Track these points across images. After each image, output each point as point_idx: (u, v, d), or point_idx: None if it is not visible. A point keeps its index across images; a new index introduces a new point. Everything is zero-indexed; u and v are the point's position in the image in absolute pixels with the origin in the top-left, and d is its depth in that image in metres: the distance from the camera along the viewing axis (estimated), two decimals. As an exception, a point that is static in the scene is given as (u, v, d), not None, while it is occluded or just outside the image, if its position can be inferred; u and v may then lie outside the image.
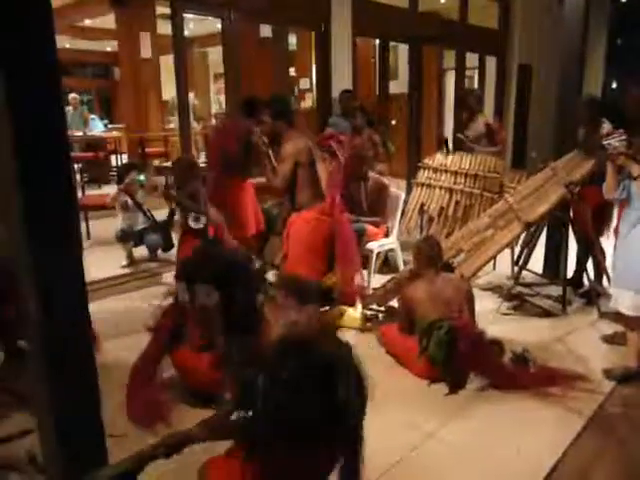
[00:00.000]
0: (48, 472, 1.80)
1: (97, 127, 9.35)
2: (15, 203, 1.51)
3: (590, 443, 2.53)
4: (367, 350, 3.35)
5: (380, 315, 3.79)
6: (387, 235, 4.53)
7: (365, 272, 4.26)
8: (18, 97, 1.44)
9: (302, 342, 1.42)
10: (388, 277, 4.03)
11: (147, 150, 8.54)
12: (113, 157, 9.28)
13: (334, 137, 3.72)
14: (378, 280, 4.17)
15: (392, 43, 7.49)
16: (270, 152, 3.72)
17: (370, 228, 4.33)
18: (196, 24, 9.01)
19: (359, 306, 3.77)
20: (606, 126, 4.04)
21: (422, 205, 4.78)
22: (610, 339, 3.48)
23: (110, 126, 10.22)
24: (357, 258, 3.82)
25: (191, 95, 9.02)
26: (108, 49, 11.24)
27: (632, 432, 2.65)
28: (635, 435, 2.62)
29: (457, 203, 4.61)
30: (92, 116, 9.53)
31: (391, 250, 4.63)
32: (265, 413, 1.32)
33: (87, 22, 9.58)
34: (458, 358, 2.89)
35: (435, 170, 4.78)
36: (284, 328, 1.51)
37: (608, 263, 3.79)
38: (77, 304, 1.66)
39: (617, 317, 3.64)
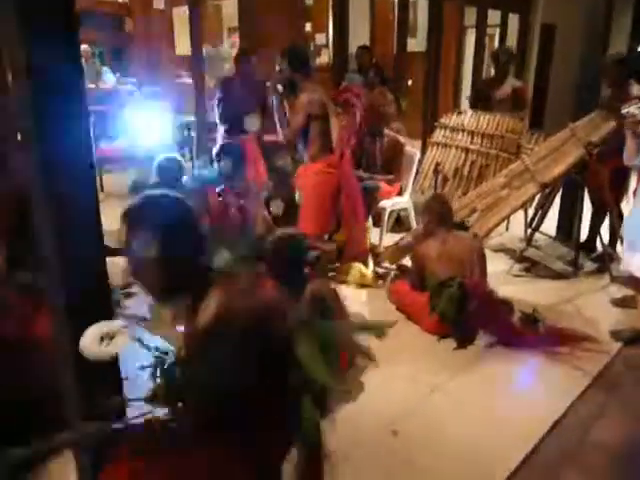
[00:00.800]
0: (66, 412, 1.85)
1: (109, 80, 9.26)
2: (32, 154, 1.52)
3: (594, 400, 2.58)
4: (378, 307, 3.40)
5: (392, 273, 3.81)
6: (400, 194, 4.51)
7: (377, 230, 4.27)
8: (36, 52, 1.43)
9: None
10: (400, 236, 4.05)
11: (160, 104, 8.45)
12: (126, 111, 9.22)
13: (351, 90, 3.64)
14: (390, 239, 4.18)
15: (412, -2, 7.28)
16: (285, 103, 3.68)
17: (384, 186, 4.31)
18: (210, -25, 8.79)
19: (370, 263, 3.80)
20: (635, 87, 3.93)
21: (437, 165, 4.74)
22: (620, 302, 3.49)
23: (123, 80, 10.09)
24: (363, 214, 3.82)
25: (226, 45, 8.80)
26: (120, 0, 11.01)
27: (636, 391, 2.69)
28: (638, 395, 2.66)
29: (473, 163, 4.56)
30: (104, 68, 9.42)
31: (404, 209, 4.62)
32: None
33: (99, -29, 9.37)
34: (468, 315, 2.92)
35: (452, 129, 4.72)
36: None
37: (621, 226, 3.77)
38: (94, 255, 1.69)
39: (628, 281, 3.65)
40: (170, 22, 8.73)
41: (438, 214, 3.26)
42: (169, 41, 8.93)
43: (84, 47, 8.80)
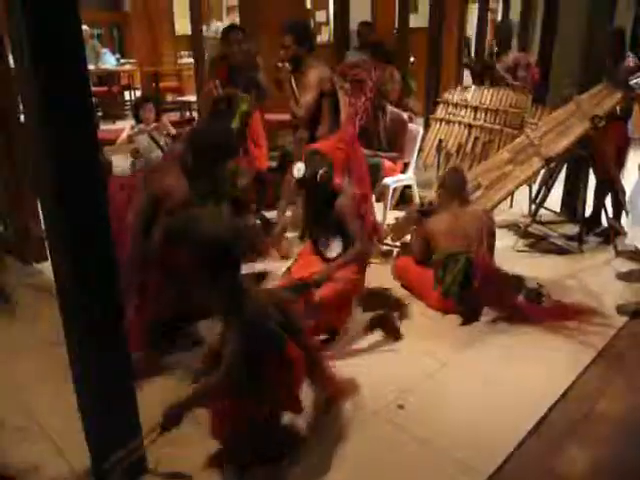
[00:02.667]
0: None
1: (109, 61, 9.18)
2: (39, 139, 1.51)
3: (599, 374, 2.58)
4: (382, 284, 3.40)
5: (394, 250, 3.81)
6: (404, 171, 4.49)
7: (381, 207, 4.26)
8: (37, 33, 1.41)
9: None
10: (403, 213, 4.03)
11: (161, 85, 8.41)
12: (127, 92, 9.18)
13: (359, 65, 3.59)
14: (394, 216, 4.17)
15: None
16: (292, 80, 3.63)
17: (387, 163, 4.28)
18: (209, -48, 8.66)
19: (374, 241, 3.79)
20: (631, 60, 3.91)
21: (440, 141, 4.70)
22: (625, 276, 3.48)
23: (122, 60, 10.03)
24: (370, 193, 3.80)
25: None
26: (118, -21, 10.86)
27: (640, 365, 2.70)
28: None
29: (476, 139, 4.52)
30: (104, 50, 9.33)
31: (408, 186, 4.60)
32: None
33: (96, -51, 9.25)
34: (473, 290, 2.92)
35: (455, 105, 4.67)
36: None
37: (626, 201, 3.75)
38: (101, 234, 1.68)
39: (633, 255, 3.64)
40: (170, 1, 8.63)
41: (454, 187, 3.23)
42: (169, 20, 8.83)
43: (83, 28, 8.72)
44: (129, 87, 9.19)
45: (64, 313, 1.71)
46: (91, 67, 8.28)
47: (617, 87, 3.65)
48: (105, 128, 6.76)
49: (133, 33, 9.57)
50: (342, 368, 2.48)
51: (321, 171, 2.73)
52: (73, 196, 1.56)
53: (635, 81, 3.34)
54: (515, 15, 8.03)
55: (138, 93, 8.86)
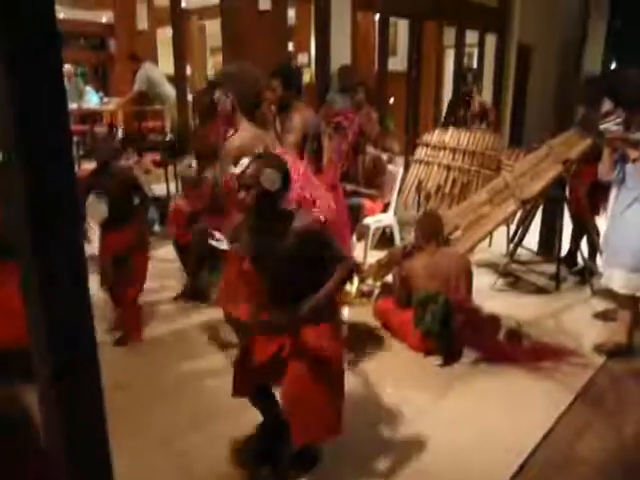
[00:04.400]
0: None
1: (92, 100, 9.23)
2: (16, 179, 1.50)
3: (579, 416, 2.59)
4: (362, 324, 3.40)
5: (375, 290, 3.82)
6: (385, 211, 4.54)
7: (362, 247, 4.29)
8: (18, 73, 1.42)
9: None
10: (385, 253, 4.06)
11: (144, 124, 8.46)
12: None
13: (343, 114, 3.68)
14: (375, 256, 4.20)
15: (392, 19, 7.41)
16: (277, 121, 3.69)
17: (368, 204, 4.34)
18: (194, -4, 8.87)
19: (355, 281, 3.80)
20: (607, 105, 4.04)
21: (420, 182, 4.79)
22: (602, 316, 3.54)
23: (105, 99, 10.10)
24: (350, 234, 3.83)
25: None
26: (104, 20, 11.04)
27: (620, 405, 2.72)
28: (622, 408, 2.69)
29: (454, 180, 4.62)
30: (87, 88, 9.39)
31: (388, 226, 4.65)
32: None
33: (83, -9, 9.41)
34: (453, 332, 2.94)
35: (433, 147, 4.78)
36: None
37: (600, 242, 3.83)
38: (78, 283, 1.66)
39: (609, 295, 3.70)
40: (153, 42, 8.77)
41: (429, 230, 3.28)
42: (153, 61, 8.94)
43: (67, 66, 8.78)
44: (112, 126, 9.21)
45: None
46: (73, 106, 8.31)
47: (588, 133, 3.79)
48: (87, 167, 6.74)
49: (117, 72, 9.67)
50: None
51: (268, 171, 1.93)
52: (48, 239, 1.55)
53: (605, 126, 3.46)
54: (490, 60, 8.33)
55: (121, 132, 8.88)
